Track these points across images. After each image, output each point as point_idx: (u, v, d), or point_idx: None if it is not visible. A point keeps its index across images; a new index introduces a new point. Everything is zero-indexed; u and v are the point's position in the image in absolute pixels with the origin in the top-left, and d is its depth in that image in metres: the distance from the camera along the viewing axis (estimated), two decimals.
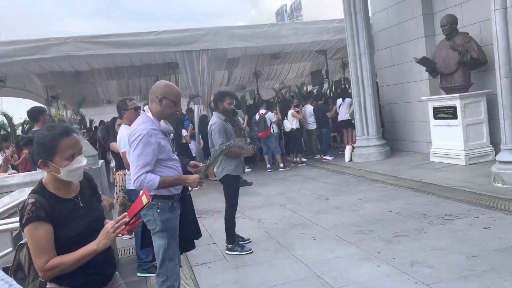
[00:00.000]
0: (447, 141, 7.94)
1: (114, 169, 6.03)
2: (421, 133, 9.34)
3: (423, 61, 8.13)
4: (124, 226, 1.81)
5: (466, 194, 5.72)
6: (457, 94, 7.62)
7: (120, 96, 14.36)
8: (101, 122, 15.66)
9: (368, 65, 9.52)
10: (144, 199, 1.82)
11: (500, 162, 5.94)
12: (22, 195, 3.05)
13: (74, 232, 1.84)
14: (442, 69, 7.98)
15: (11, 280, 0.89)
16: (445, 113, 7.94)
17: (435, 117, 8.19)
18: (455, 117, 7.69)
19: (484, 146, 7.64)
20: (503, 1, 5.66)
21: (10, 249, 2.75)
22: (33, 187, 1.92)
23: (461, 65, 7.66)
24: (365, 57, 9.52)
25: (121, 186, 5.32)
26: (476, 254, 3.74)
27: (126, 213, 1.86)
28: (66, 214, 1.86)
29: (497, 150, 6.84)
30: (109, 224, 1.82)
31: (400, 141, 10.28)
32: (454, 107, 7.69)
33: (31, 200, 1.78)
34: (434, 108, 8.21)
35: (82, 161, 1.86)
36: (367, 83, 9.54)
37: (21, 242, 2.11)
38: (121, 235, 1.84)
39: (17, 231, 2.78)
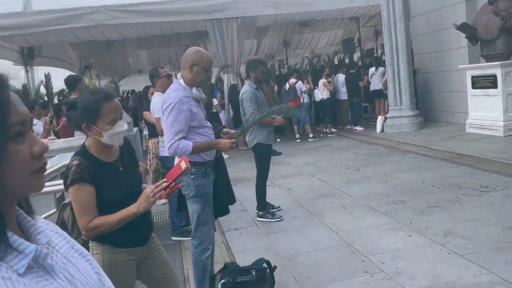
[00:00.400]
0: (485, 112, 7.64)
1: (147, 137, 6.15)
2: (458, 103, 9.02)
3: (462, 27, 7.76)
4: (163, 191, 1.86)
5: (503, 166, 5.54)
6: (498, 62, 7.27)
7: (151, 66, 14.48)
8: (133, 91, 15.92)
9: (404, 32, 9.17)
10: (183, 165, 1.85)
11: None
12: (63, 159, 3.17)
13: (114, 195, 1.91)
14: (482, 35, 7.60)
15: (65, 234, 0.94)
16: (484, 82, 7.61)
17: (473, 87, 7.87)
18: (495, 87, 7.36)
19: None
20: None
21: (54, 210, 2.89)
22: (73, 152, 1.99)
23: (504, 31, 7.27)
24: (401, 24, 9.16)
25: (154, 153, 5.43)
26: None
27: (165, 178, 1.90)
28: (107, 177, 1.92)
29: None
30: (149, 189, 1.87)
31: (435, 111, 9.97)
32: (494, 76, 7.35)
33: (75, 162, 1.84)
34: (472, 77, 7.88)
35: (123, 126, 1.90)
36: (401, 51, 9.22)
37: (64, 202, 2.21)
38: (159, 199, 1.90)
39: (60, 193, 2.91)
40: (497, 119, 7.37)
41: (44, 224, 0.89)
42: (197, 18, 10.23)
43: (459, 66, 8.39)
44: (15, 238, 0.74)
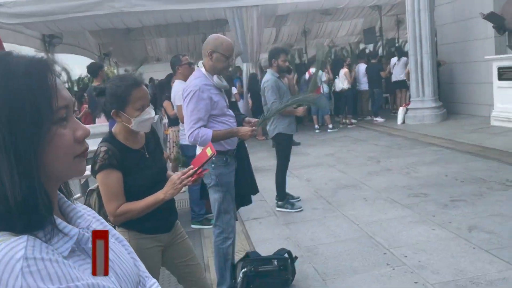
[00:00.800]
0: None
1: (167, 126, 6.17)
2: (482, 95, 8.79)
3: (490, 17, 7.52)
4: (189, 177, 1.85)
5: None
6: None
7: (169, 54, 14.49)
8: (151, 79, 15.99)
9: (428, 22, 8.94)
10: (209, 151, 1.84)
11: None
12: None
13: (140, 181, 1.92)
14: (511, 25, 7.35)
15: (102, 219, 0.93)
16: (511, 73, 7.39)
17: (500, 78, 7.66)
18: None
19: None
20: None
21: (79, 194, 2.92)
22: (95, 138, 1.99)
23: None
24: (425, 13, 8.92)
25: (174, 141, 5.45)
26: None
27: (191, 165, 1.90)
28: (134, 164, 1.92)
29: None
30: (175, 176, 1.86)
31: (458, 103, 9.75)
32: None
33: (103, 149, 1.85)
34: (499, 68, 7.66)
35: (151, 113, 1.90)
36: (425, 41, 9.00)
37: (90, 188, 2.23)
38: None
39: (85, 179, 2.94)
40: None
41: (83, 209, 0.89)
42: (217, 5, 10.16)
43: (485, 57, 8.16)
44: (59, 221, 0.74)
